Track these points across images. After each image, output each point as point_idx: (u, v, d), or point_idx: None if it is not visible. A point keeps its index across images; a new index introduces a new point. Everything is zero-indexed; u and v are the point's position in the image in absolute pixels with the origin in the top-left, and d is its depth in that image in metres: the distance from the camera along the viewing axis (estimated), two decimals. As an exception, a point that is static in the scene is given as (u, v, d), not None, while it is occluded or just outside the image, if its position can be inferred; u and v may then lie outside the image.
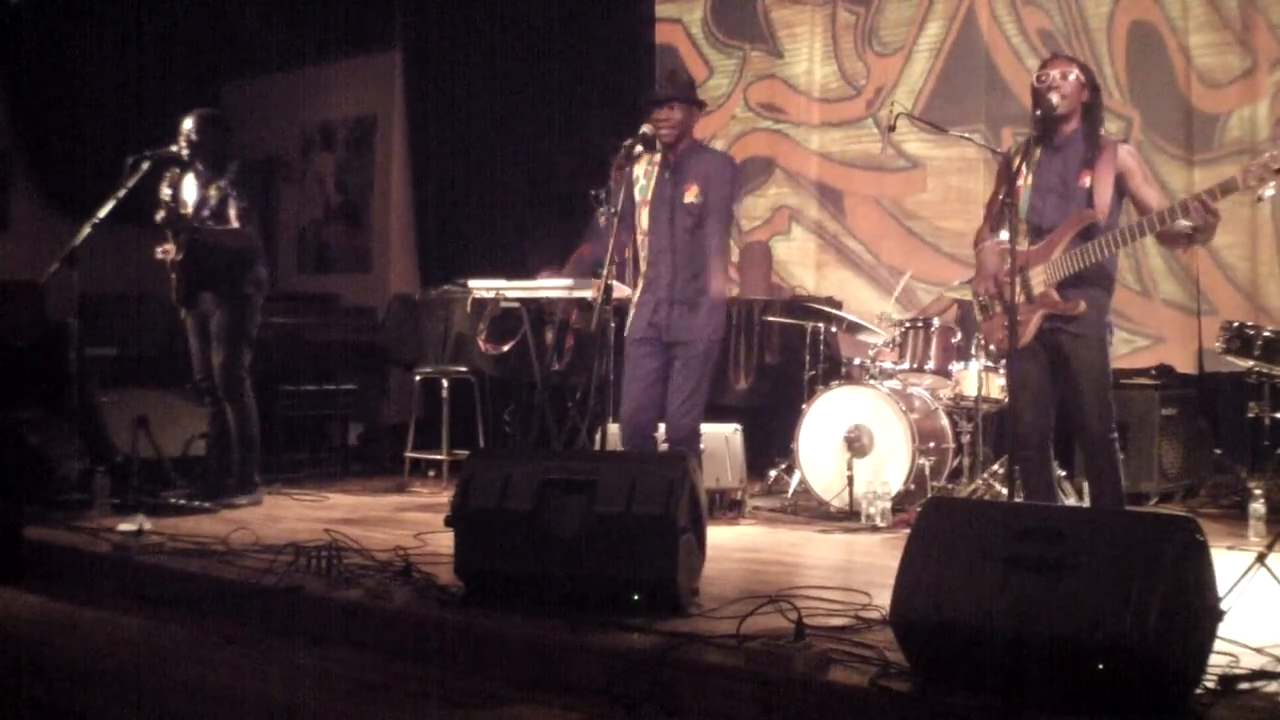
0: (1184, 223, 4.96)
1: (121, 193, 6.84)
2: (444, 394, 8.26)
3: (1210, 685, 3.47)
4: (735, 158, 8.51)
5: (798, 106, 9.44)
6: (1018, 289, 5.10)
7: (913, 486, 6.91)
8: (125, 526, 5.97)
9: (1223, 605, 3.56)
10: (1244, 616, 4.07)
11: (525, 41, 10.35)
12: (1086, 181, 5.13)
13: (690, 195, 5.85)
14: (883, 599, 4.01)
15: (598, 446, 6.00)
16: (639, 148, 5.82)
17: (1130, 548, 3.37)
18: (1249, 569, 4.26)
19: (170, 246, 6.96)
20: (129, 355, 9.14)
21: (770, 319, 8.36)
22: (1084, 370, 5.16)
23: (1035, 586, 3.41)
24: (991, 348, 6.70)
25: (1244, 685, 3.50)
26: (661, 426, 6.01)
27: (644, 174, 5.99)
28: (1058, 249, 5.12)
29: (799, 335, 7.90)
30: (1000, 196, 5.23)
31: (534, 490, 4.50)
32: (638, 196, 6.00)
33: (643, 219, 5.98)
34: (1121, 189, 5.15)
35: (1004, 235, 5.18)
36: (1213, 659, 3.53)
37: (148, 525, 6.00)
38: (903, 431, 6.91)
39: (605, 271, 5.51)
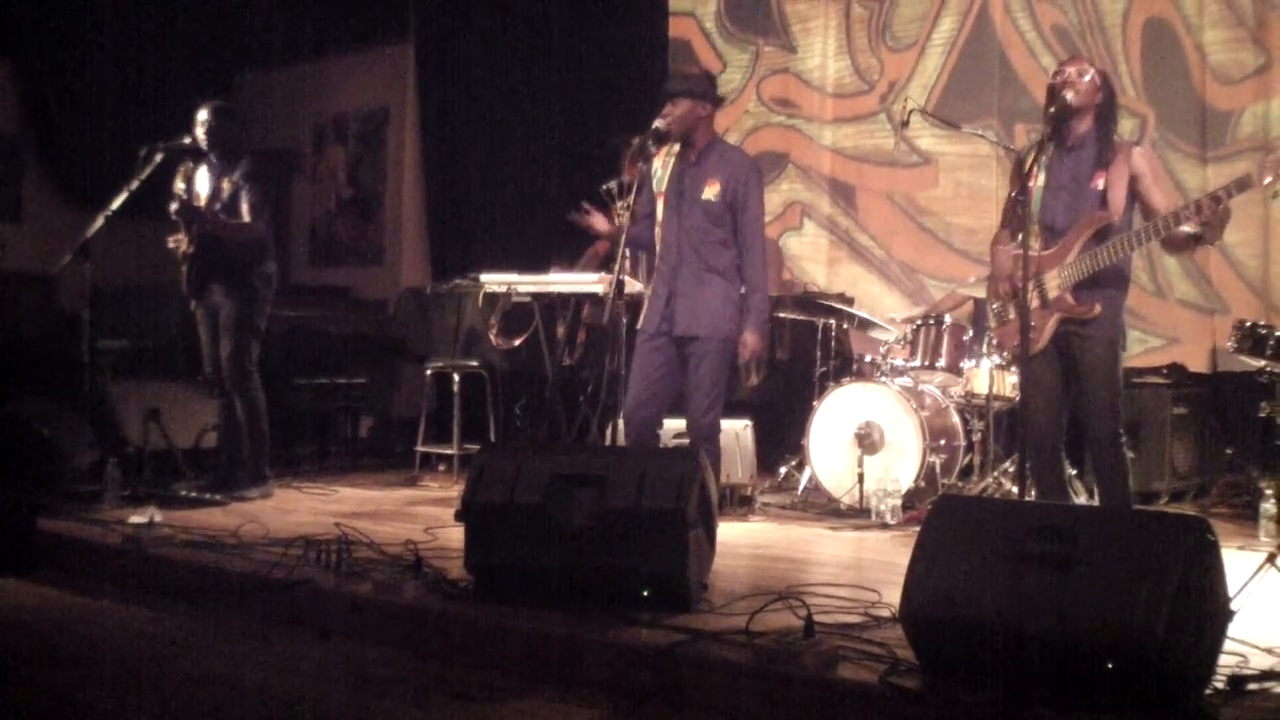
0: (1186, 228, 4.95)
1: (135, 184, 6.87)
2: (455, 388, 8.26)
3: (1219, 685, 3.46)
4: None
5: (811, 101, 9.42)
6: (1033, 293, 5.09)
7: (923, 484, 6.90)
8: (136, 518, 5.98)
9: (1233, 605, 3.55)
10: (1254, 617, 4.06)
11: (538, 34, 10.35)
12: (1100, 183, 5.12)
13: (710, 192, 5.85)
14: (892, 596, 4.00)
15: (609, 441, 6.00)
16: (651, 143, 5.83)
17: (1141, 547, 3.37)
18: (1259, 569, 4.25)
19: (182, 237, 6.99)
20: (141, 347, 9.12)
21: (781, 315, 8.34)
22: (1093, 372, 5.15)
23: (1046, 585, 3.41)
24: (1006, 353, 6.65)
25: (1253, 685, 3.50)
26: (668, 423, 6.00)
27: (660, 166, 6.00)
28: (1072, 252, 5.11)
29: (810, 331, 7.90)
30: (1013, 195, 5.22)
31: (544, 484, 4.50)
32: (654, 189, 6.00)
33: (658, 211, 5.99)
34: (1132, 191, 5.14)
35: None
36: (1222, 659, 3.53)
37: (158, 517, 6.01)
38: (913, 429, 6.90)
39: (617, 266, 5.51)
